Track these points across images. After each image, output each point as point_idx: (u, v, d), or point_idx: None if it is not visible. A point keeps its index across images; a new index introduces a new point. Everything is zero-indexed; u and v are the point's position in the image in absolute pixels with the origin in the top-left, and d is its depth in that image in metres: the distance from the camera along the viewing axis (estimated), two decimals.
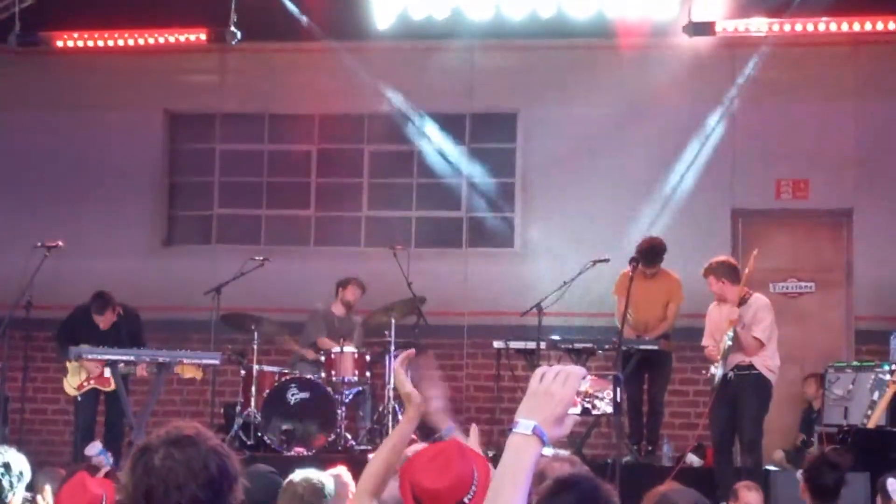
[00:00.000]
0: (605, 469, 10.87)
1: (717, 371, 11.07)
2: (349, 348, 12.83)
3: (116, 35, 14.85)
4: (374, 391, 13.30)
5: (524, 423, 3.00)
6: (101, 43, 14.87)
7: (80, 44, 14.85)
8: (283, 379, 12.65)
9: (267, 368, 12.91)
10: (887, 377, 11.10)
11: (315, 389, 12.54)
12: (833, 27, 13.94)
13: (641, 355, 12.13)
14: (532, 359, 12.61)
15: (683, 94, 14.62)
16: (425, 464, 4.30)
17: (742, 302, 11.04)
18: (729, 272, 11.24)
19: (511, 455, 3.00)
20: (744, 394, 11.01)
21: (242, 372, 13.00)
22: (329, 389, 12.59)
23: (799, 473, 7.79)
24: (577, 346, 12.35)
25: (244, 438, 12.53)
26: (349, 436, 12.76)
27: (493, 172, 15.35)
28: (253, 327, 12.97)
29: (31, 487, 7.84)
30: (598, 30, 14.47)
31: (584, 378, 3.11)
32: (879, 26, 13.94)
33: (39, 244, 12.36)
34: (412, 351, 4.70)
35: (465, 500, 4.21)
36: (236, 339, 13.68)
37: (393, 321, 12.83)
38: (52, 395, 14.81)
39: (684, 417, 13.85)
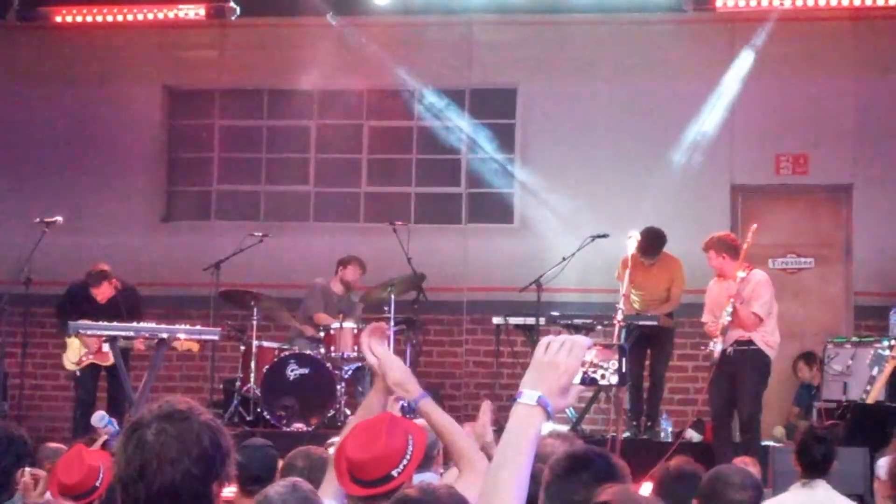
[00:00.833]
0: (604, 445, 10.89)
1: (716, 347, 11.08)
2: (348, 324, 12.82)
3: (115, 10, 14.83)
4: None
5: (528, 394, 3.01)
6: (99, 18, 14.85)
7: (79, 19, 14.83)
8: (282, 355, 12.65)
9: (266, 344, 12.91)
10: (886, 352, 11.09)
11: (314, 365, 12.54)
12: (833, 2, 13.90)
13: (643, 331, 12.14)
14: (531, 334, 12.62)
15: (683, 69, 14.59)
16: (356, 435, 4.34)
17: (741, 277, 11.04)
18: (729, 247, 11.25)
19: (515, 425, 3.00)
20: (743, 369, 11.02)
21: (242, 348, 13.02)
22: (328, 365, 12.59)
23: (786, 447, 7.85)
24: (577, 321, 12.35)
25: (244, 414, 12.55)
26: (349, 411, 12.76)
27: (493, 148, 15.32)
28: (252, 303, 12.97)
29: (33, 463, 7.86)
30: (597, 4, 14.44)
31: (589, 348, 3.10)
32: (880, 1, 13.91)
33: (38, 220, 12.36)
34: (381, 324, 4.72)
35: (394, 473, 4.21)
36: (235, 314, 13.69)
37: (392, 297, 12.83)
38: (51, 370, 14.81)
39: (683, 393, 13.86)
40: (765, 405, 11.36)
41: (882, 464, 7.56)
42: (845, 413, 11.02)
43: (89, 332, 11.80)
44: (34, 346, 13.79)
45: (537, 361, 3.06)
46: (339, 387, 12.59)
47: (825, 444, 7.66)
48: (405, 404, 5.13)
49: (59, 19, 14.80)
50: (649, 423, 12.53)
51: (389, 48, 14.93)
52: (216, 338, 12.20)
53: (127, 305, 12.57)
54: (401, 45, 15.02)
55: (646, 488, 6.67)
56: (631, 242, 11.88)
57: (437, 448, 5.77)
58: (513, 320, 12.75)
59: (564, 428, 10.82)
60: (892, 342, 11.22)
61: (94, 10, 14.78)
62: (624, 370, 3.15)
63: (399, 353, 12.98)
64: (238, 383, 12.78)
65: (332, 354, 12.68)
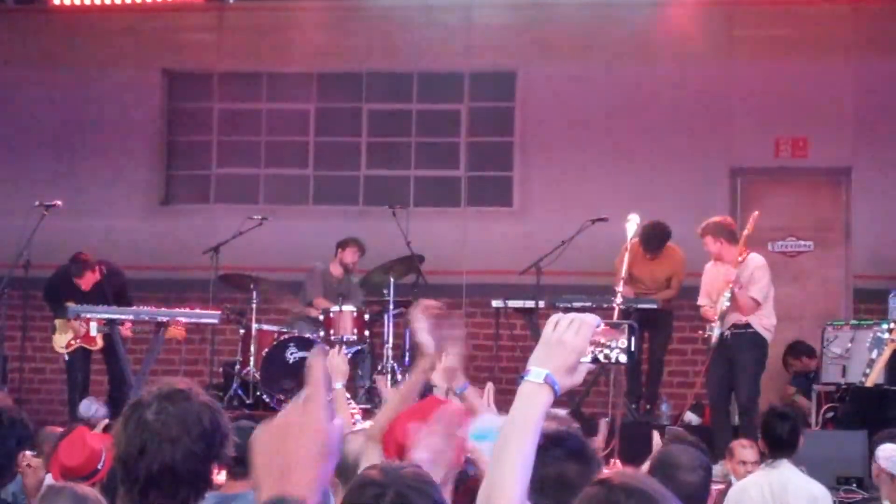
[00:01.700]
0: (603, 426, 10.90)
1: (714, 331, 11.10)
2: (348, 307, 12.82)
3: None
4: (373, 350, 13.31)
5: (536, 371, 3.00)
6: (97, 1, 14.81)
7: (77, 2, 14.78)
8: (282, 338, 12.66)
9: (266, 327, 12.92)
10: (886, 335, 11.11)
11: (314, 348, 12.53)
12: None
13: (642, 315, 12.14)
14: (531, 317, 12.63)
15: (683, 51, 14.57)
16: (404, 419, 4.31)
17: (739, 262, 11.05)
18: (727, 232, 11.26)
19: (521, 403, 3.00)
20: (740, 352, 11.04)
21: (241, 331, 13.02)
22: (328, 348, 12.58)
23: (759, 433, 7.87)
24: (577, 304, 12.35)
25: (243, 397, 12.56)
26: (348, 395, 12.74)
27: (492, 131, 15.31)
28: (251, 286, 12.97)
29: (33, 447, 7.87)
30: None
31: (597, 327, 3.10)
32: None
33: (38, 203, 12.34)
34: (437, 304, 4.59)
35: None
36: (235, 298, 13.68)
37: (392, 280, 12.84)
38: (50, 353, 14.77)
39: (682, 376, 13.87)
40: (764, 389, 11.37)
41: (882, 451, 7.53)
42: (844, 396, 11.03)
43: (88, 316, 11.79)
44: (34, 329, 13.79)
45: (545, 339, 3.05)
46: (333, 350, 12.56)
47: (789, 421, 7.68)
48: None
49: (56, 2, 14.76)
50: (648, 406, 12.56)
51: (389, 31, 14.91)
52: (216, 321, 12.23)
53: (113, 289, 12.50)
54: (400, 28, 15.00)
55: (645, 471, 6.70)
56: (630, 226, 11.87)
57: None
58: (512, 303, 12.76)
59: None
60: (892, 325, 11.24)
61: None
62: (633, 348, 3.15)
63: (399, 336, 13.06)
64: (238, 366, 12.79)
65: (332, 338, 12.69)
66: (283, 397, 12.29)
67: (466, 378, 4.60)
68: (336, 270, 13.53)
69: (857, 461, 9.35)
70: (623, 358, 3.11)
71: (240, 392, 12.59)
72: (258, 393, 12.49)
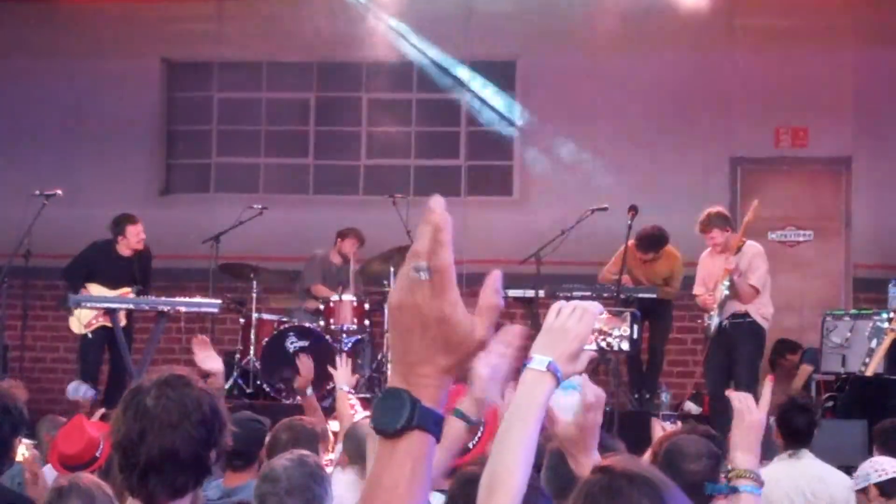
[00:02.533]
0: (604, 416, 10.91)
1: (713, 320, 11.10)
2: (348, 296, 12.83)
3: None
4: (374, 339, 13.31)
5: (539, 359, 3.00)
6: None
7: None
8: (282, 327, 12.66)
9: (266, 317, 12.92)
10: (885, 325, 11.12)
11: (314, 337, 12.54)
12: None
13: (642, 305, 12.14)
14: (531, 307, 12.63)
15: (683, 40, 14.56)
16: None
17: (737, 250, 11.05)
18: (728, 220, 11.31)
19: (524, 391, 2.99)
20: (739, 342, 11.05)
21: (241, 320, 13.03)
22: (328, 337, 12.60)
23: (772, 420, 7.83)
24: (576, 294, 12.35)
25: (243, 386, 12.56)
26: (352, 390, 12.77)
27: (492, 120, 15.31)
28: (251, 276, 12.97)
29: (33, 436, 7.88)
30: None
31: (600, 314, 3.10)
32: None
33: (38, 193, 12.34)
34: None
35: (469, 445, 4.18)
36: (235, 287, 13.68)
37: (392, 270, 12.84)
38: (50, 343, 14.85)
39: (682, 365, 13.88)
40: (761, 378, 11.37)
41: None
42: (844, 385, 11.04)
43: (89, 306, 11.78)
44: (34, 318, 13.80)
45: (548, 327, 3.06)
46: (338, 359, 12.57)
47: (808, 414, 7.67)
48: None
49: None
50: (648, 396, 12.56)
51: (388, 20, 14.89)
52: (216, 310, 12.22)
53: (142, 265, 12.51)
54: (400, 17, 14.98)
55: (646, 460, 6.70)
56: (631, 216, 11.87)
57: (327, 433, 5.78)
58: (512, 293, 12.73)
59: (574, 400, 10.82)
60: (891, 315, 11.25)
61: None
62: (636, 336, 3.15)
63: None
64: (237, 356, 12.79)
65: (332, 327, 12.69)
66: (282, 386, 12.30)
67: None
68: (335, 258, 13.53)
69: (857, 450, 9.35)
70: (625, 345, 3.11)
71: (240, 381, 12.59)
72: (258, 382, 12.50)
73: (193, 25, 15.66)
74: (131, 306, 11.92)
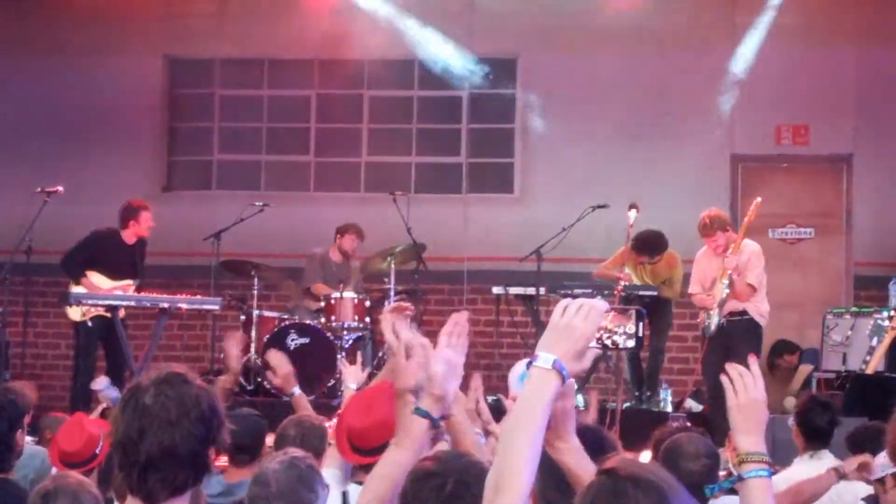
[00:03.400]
0: (605, 414, 10.93)
1: (712, 319, 11.09)
2: (349, 293, 12.84)
3: None
4: (374, 336, 13.32)
5: (544, 357, 3.00)
6: None
7: None
8: (282, 324, 12.67)
9: (267, 314, 12.94)
10: (886, 323, 11.12)
11: (315, 335, 12.56)
12: None
13: (641, 302, 12.16)
14: (531, 304, 12.64)
15: (685, 38, 14.56)
16: (356, 403, 4.30)
17: (734, 248, 11.06)
18: (727, 220, 11.32)
19: (529, 389, 2.99)
20: (737, 339, 11.05)
21: (242, 317, 13.04)
22: (329, 335, 12.61)
23: (790, 420, 7.78)
24: (577, 291, 12.37)
25: (244, 383, 12.57)
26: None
27: (493, 118, 15.32)
28: (253, 273, 12.98)
29: (35, 433, 7.89)
30: None
31: (606, 312, 3.10)
32: None
33: (39, 190, 12.33)
34: (404, 304, 4.53)
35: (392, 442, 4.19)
36: (236, 284, 13.69)
37: (393, 267, 12.85)
38: (52, 339, 14.87)
39: (683, 363, 13.89)
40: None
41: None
42: (844, 383, 11.04)
43: (90, 303, 11.77)
44: (35, 315, 13.82)
45: (554, 324, 3.05)
46: (339, 356, 12.61)
47: (829, 413, 7.59)
48: None
49: None
50: (649, 393, 12.57)
51: (390, 17, 14.89)
52: (217, 307, 12.23)
53: (140, 255, 12.50)
54: (401, 14, 14.98)
55: (645, 457, 6.71)
56: (632, 213, 11.88)
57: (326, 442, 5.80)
58: (513, 290, 12.76)
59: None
60: (892, 313, 11.26)
61: None
62: (640, 334, 3.17)
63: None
64: (225, 338, 12.77)
65: (333, 324, 12.70)
66: None
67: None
68: (335, 256, 13.55)
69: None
70: (630, 343, 3.14)
71: (240, 378, 12.59)
72: (259, 379, 12.51)
73: (195, 22, 15.65)
74: (132, 303, 11.92)
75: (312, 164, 15.61)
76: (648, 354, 12.70)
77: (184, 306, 12.03)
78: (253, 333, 12.66)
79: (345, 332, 12.75)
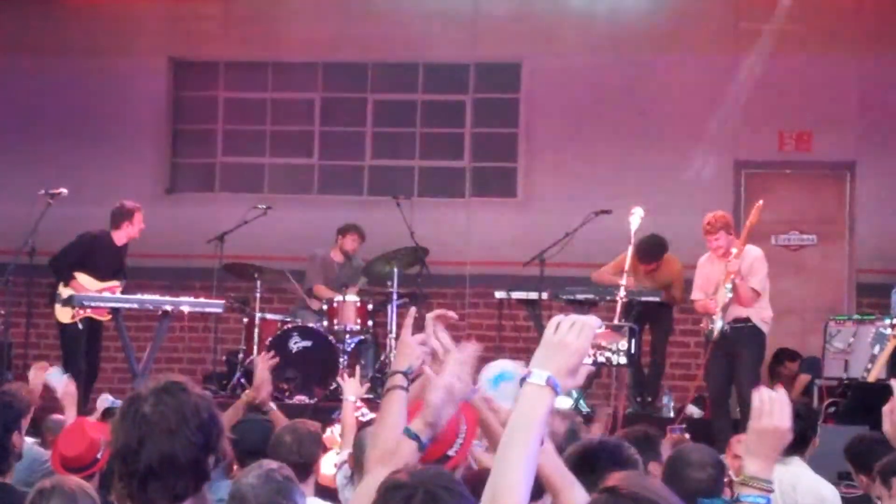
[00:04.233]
0: (607, 420, 10.92)
1: (715, 324, 11.08)
2: (351, 297, 12.85)
3: None
4: (377, 340, 13.33)
5: (538, 374, 3.01)
6: None
7: None
8: (285, 327, 12.68)
9: (269, 316, 12.94)
10: (888, 331, 11.11)
11: (317, 338, 12.56)
12: None
13: (644, 308, 12.17)
14: (534, 309, 12.65)
15: (689, 43, 14.57)
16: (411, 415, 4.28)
17: (735, 253, 11.04)
18: (731, 225, 11.30)
19: (524, 405, 3.00)
20: (740, 347, 11.03)
21: (245, 320, 13.05)
22: (331, 338, 12.62)
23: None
24: (580, 297, 12.38)
25: (246, 386, 12.52)
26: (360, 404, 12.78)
27: (497, 122, 15.33)
28: (255, 275, 12.99)
29: (37, 434, 7.90)
30: None
31: (598, 329, 3.11)
32: None
33: (43, 192, 12.35)
34: (447, 312, 4.45)
35: (450, 452, 4.18)
36: (239, 286, 13.70)
37: (395, 271, 12.85)
38: (54, 341, 14.81)
39: (684, 368, 13.89)
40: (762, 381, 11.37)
41: None
42: (846, 391, 11.03)
43: (93, 305, 11.77)
44: (38, 316, 13.80)
45: (546, 341, 3.06)
46: (341, 360, 12.61)
47: (801, 421, 7.64)
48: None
49: None
50: (650, 399, 12.57)
51: (394, 21, 14.92)
52: (220, 310, 12.25)
53: (125, 255, 12.51)
54: (405, 18, 15.00)
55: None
56: (634, 219, 11.87)
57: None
58: (515, 295, 12.77)
59: (567, 402, 10.85)
60: (894, 320, 11.23)
61: None
62: (633, 351, 3.18)
63: (400, 326, 13.06)
64: (241, 355, 12.81)
65: (335, 327, 12.71)
66: (285, 386, 12.32)
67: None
68: (337, 257, 13.56)
69: None
70: (623, 360, 3.15)
71: (242, 381, 12.59)
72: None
73: (200, 25, 15.67)
74: (135, 306, 11.92)
75: (316, 167, 15.63)
76: (650, 360, 12.71)
77: (186, 309, 12.03)
78: (255, 336, 12.66)
79: (347, 336, 12.76)
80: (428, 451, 3.97)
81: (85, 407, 10.92)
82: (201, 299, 12.25)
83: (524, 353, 12.90)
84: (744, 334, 11.04)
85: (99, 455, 6.11)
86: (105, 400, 8.59)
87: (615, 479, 2.88)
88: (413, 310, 4.47)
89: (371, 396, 11.79)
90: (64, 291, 12.11)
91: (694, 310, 11.78)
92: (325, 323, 12.79)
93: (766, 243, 12.53)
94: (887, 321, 11.33)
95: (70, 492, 4.71)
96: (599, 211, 12.44)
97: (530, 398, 3.00)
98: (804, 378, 13.28)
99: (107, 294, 12.02)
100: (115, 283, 12.25)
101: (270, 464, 4.99)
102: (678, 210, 12.75)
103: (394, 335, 12.64)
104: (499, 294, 12.89)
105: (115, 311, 11.72)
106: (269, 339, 12.54)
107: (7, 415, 5.81)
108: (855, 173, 14.60)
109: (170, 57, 15.81)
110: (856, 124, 14.55)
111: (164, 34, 15.55)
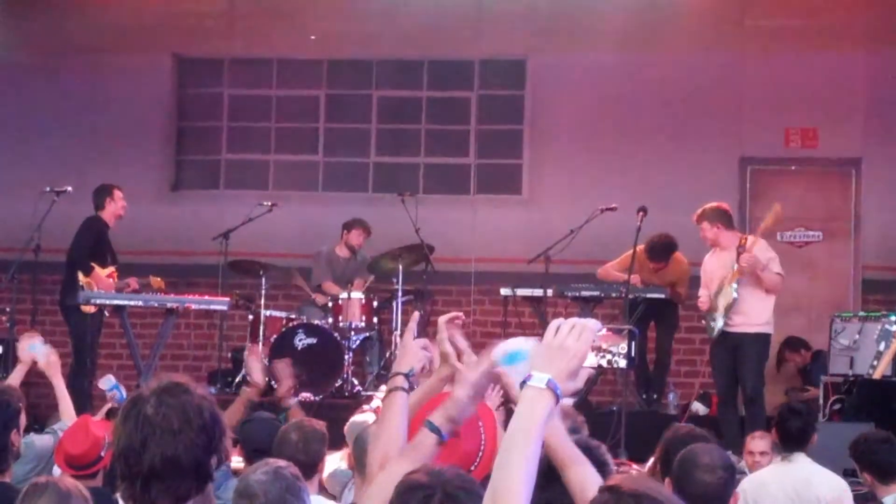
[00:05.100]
0: (611, 417, 10.92)
1: (716, 322, 11.05)
2: (357, 294, 12.85)
3: None
4: (382, 337, 13.33)
5: (538, 377, 3.00)
6: None
7: None
8: (290, 324, 12.68)
9: (274, 314, 12.95)
10: (894, 328, 11.08)
11: (322, 335, 12.57)
12: None
13: (649, 305, 12.16)
14: (539, 306, 12.65)
15: (694, 39, 14.55)
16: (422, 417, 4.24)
17: (741, 248, 10.99)
18: (723, 217, 11.22)
19: (524, 408, 3.00)
20: (743, 345, 11.01)
21: (250, 317, 13.05)
22: (336, 335, 12.62)
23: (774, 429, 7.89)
24: (585, 293, 12.38)
25: (263, 387, 12.55)
26: (356, 381, 12.81)
27: (502, 119, 15.32)
28: (261, 273, 12.99)
29: (42, 429, 7.89)
30: None
31: (599, 332, 3.10)
32: None
33: (48, 189, 12.35)
34: (460, 314, 4.46)
35: (471, 468, 4.13)
36: (244, 284, 13.70)
37: (401, 267, 12.85)
38: (60, 338, 14.77)
39: (690, 365, 13.87)
40: (772, 379, 11.35)
41: None
42: (851, 388, 11.01)
43: (98, 302, 11.76)
44: (43, 313, 13.80)
45: (547, 344, 3.06)
46: (346, 357, 12.61)
47: (801, 417, 7.71)
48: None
49: None
50: (655, 396, 12.56)
51: (398, 17, 14.90)
52: (225, 307, 12.24)
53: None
54: (409, 15, 14.98)
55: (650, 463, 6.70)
56: (641, 217, 11.86)
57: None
58: (521, 292, 12.78)
59: (569, 401, 10.83)
60: None
61: None
62: (633, 354, 3.16)
63: (405, 323, 13.06)
64: (246, 352, 12.80)
65: (340, 324, 12.71)
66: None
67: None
68: (343, 252, 13.57)
69: None
70: (623, 363, 3.13)
71: (248, 378, 12.59)
72: (266, 379, 12.48)
73: (205, 21, 15.65)
74: (140, 303, 11.92)
75: (321, 164, 15.62)
76: (655, 357, 12.70)
77: (191, 306, 12.03)
78: (261, 333, 12.66)
79: (352, 333, 12.76)
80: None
81: (89, 403, 10.96)
82: (206, 297, 12.24)
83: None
84: (746, 332, 11.01)
85: (103, 453, 6.11)
86: (107, 380, 8.58)
87: (617, 478, 2.88)
88: (417, 314, 4.45)
89: (375, 393, 11.81)
90: (83, 282, 12.07)
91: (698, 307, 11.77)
92: (331, 320, 12.80)
93: (771, 240, 12.48)
94: (893, 318, 11.31)
95: (64, 490, 4.72)
96: (604, 208, 12.44)
97: (530, 401, 2.99)
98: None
99: (112, 292, 12.01)
100: (112, 268, 12.29)
101: (278, 461, 4.99)
102: (683, 207, 12.70)
103: (399, 332, 12.64)
104: (504, 291, 12.89)
105: (120, 308, 11.69)
106: (274, 336, 12.55)
107: (6, 413, 5.81)
108: (861, 170, 14.58)
109: (174, 54, 15.82)
110: (862, 121, 14.54)
111: (168, 31, 15.53)
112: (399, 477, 3.36)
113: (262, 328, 12.69)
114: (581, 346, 3.03)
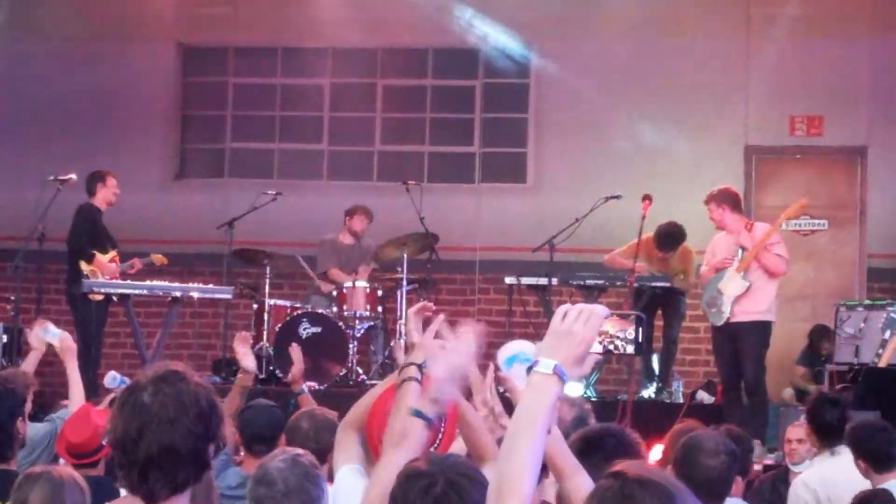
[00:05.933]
0: (617, 405, 10.92)
1: (722, 315, 11.05)
2: (361, 283, 12.85)
3: None
4: (386, 326, 13.33)
5: (544, 362, 3.00)
6: None
7: None
8: (295, 313, 12.68)
9: (279, 302, 12.95)
10: None
11: (327, 324, 12.56)
12: None
13: (654, 293, 12.15)
14: (544, 294, 12.64)
15: (700, 27, 14.52)
16: (380, 411, 4.26)
17: (748, 230, 11.04)
18: (730, 199, 11.28)
19: (530, 394, 3.00)
20: (744, 335, 11.02)
21: (255, 306, 13.05)
22: (341, 324, 12.61)
23: (802, 417, 7.79)
24: (590, 282, 12.37)
25: (256, 372, 12.55)
26: (360, 370, 12.81)
27: (507, 107, 15.30)
28: (265, 261, 12.99)
29: (44, 417, 7.88)
30: None
31: (606, 318, 3.10)
32: None
33: (52, 177, 12.33)
34: (428, 304, 4.48)
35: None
36: (249, 273, 13.70)
37: (405, 256, 12.85)
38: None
39: (695, 354, 13.87)
40: (776, 367, 11.33)
41: None
42: (857, 377, 11.00)
43: (102, 292, 11.75)
44: (48, 302, 13.81)
45: (553, 330, 3.05)
46: (351, 346, 12.61)
47: (839, 408, 7.61)
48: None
49: None
50: (661, 385, 12.55)
51: (403, 6, 14.88)
52: (229, 296, 12.25)
53: None
54: (415, 3, 14.95)
55: (657, 450, 6.70)
56: (646, 205, 11.85)
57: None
58: (525, 280, 12.77)
59: (577, 388, 10.83)
60: None
61: None
62: (640, 339, 3.15)
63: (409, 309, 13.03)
64: (251, 341, 12.78)
65: (345, 313, 12.71)
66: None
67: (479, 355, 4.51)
68: (346, 238, 13.57)
69: None
70: (630, 349, 3.12)
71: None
72: (271, 368, 12.51)
73: (209, 10, 15.63)
74: (145, 292, 11.91)
75: (325, 152, 15.61)
76: (661, 345, 12.69)
77: (196, 295, 12.03)
78: (265, 322, 12.66)
79: (357, 322, 12.75)
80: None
81: (94, 393, 10.95)
82: (211, 285, 12.24)
83: (534, 338, 12.79)
84: (747, 322, 11.02)
85: (104, 442, 6.10)
86: (113, 378, 8.58)
87: (622, 465, 2.87)
88: (441, 316, 4.36)
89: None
90: (86, 270, 12.06)
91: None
92: (335, 309, 12.79)
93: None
94: None
95: (58, 479, 4.72)
96: (609, 196, 12.43)
97: (537, 387, 2.99)
98: (799, 370, 13.33)
99: (116, 281, 11.99)
100: (113, 252, 12.28)
101: (296, 450, 5.00)
102: (688, 195, 12.69)
103: (404, 321, 12.62)
104: (509, 280, 12.89)
105: (125, 297, 11.69)
106: (279, 325, 12.55)
107: (10, 401, 5.82)
108: (866, 158, 14.55)
109: (179, 42, 15.80)
110: (867, 108, 14.51)
111: (172, 19, 15.51)
112: (395, 467, 3.36)
113: (266, 317, 12.68)
114: (588, 331, 3.03)
